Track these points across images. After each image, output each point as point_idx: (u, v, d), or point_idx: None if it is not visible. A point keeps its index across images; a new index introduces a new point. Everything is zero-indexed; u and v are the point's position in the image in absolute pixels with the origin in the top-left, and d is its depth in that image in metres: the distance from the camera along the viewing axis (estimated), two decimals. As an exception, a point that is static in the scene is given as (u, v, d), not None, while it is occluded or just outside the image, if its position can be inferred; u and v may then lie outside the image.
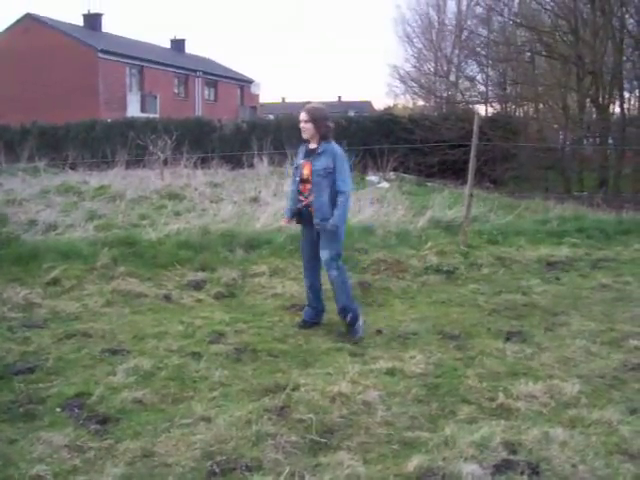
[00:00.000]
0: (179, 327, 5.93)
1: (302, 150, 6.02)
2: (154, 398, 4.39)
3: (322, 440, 3.82)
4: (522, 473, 3.40)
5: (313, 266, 6.12)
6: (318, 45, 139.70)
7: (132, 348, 5.36)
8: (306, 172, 5.82)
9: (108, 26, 55.34)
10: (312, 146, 5.87)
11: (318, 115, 5.81)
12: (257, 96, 54.33)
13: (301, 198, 5.91)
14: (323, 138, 5.79)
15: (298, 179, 5.91)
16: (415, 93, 34.75)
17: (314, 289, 6.17)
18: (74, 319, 6.21)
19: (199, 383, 4.68)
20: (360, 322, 5.88)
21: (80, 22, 42.76)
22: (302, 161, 5.91)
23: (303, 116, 5.85)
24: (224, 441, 3.74)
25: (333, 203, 5.70)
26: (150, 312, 6.53)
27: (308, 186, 5.82)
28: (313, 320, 6.18)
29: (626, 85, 21.85)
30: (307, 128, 5.81)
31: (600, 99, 21.30)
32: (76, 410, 4.20)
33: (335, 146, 5.80)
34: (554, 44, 22.03)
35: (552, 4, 22.58)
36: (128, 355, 5.19)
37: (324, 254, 5.83)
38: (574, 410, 4.20)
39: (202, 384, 4.66)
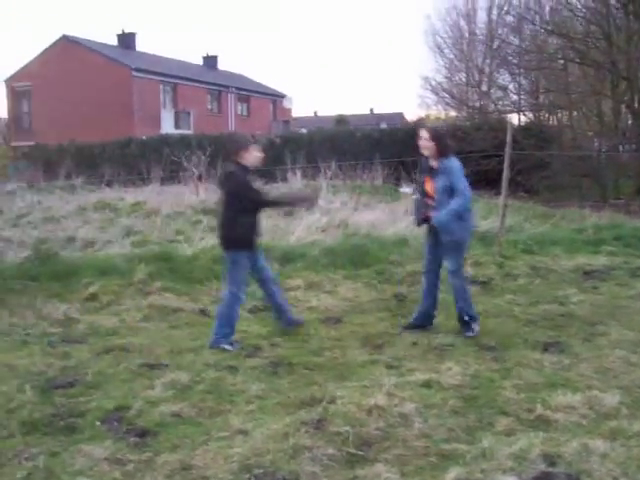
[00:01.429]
0: (215, 341, 5.96)
1: (424, 164, 6.23)
2: (191, 411, 4.42)
3: (359, 453, 3.82)
4: (562, 485, 3.37)
5: (430, 270, 6.35)
6: (349, 58, 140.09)
7: (169, 362, 5.42)
8: (428, 188, 6.11)
9: (142, 45, 56.18)
10: (432, 163, 6.08)
11: (439, 134, 6.11)
12: (289, 110, 54.60)
13: (424, 209, 6.16)
14: (442, 155, 6.00)
15: (423, 193, 6.19)
16: (447, 104, 34.63)
17: (427, 297, 6.39)
18: (112, 334, 6.30)
19: (236, 396, 4.70)
20: (476, 327, 6.17)
21: (114, 42, 43.51)
22: (424, 177, 6.18)
23: (424, 134, 6.07)
24: (261, 454, 3.75)
25: (457, 216, 5.92)
26: (186, 326, 6.60)
27: (431, 202, 6.07)
28: (421, 323, 6.38)
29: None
30: (428, 147, 6.02)
31: (635, 105, 21.03)
32: (115, 423, 4.26)
33: (452, 162, 6.00)
34: (587, 51, 21.82)
35: (584, 10, 22.40)
36: (165, 369, 5.24)
37: (448, 265, 6.14)
38: (614, 421, 4.14)
39: (239, 397, 4.68)
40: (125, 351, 5.73)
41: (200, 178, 17.25)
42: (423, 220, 6.20)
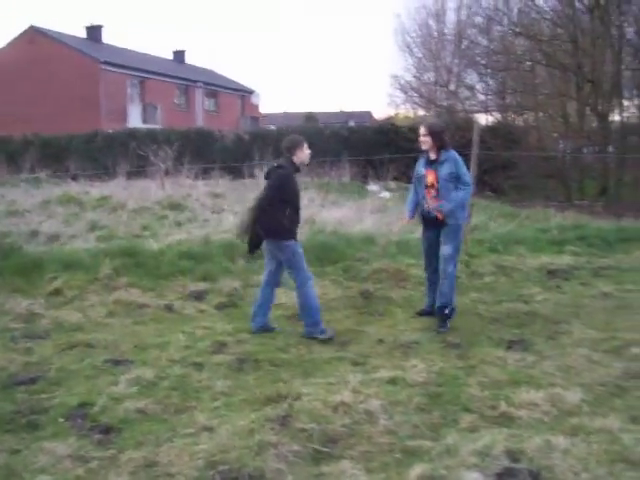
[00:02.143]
0: (181, 337, 5.94)
1: (422, 161, 6.61)
2: (156, 408, 4.40)
3: (324, 449, 3.83)
4: (524, 481, 3.41)
5: (431, 263, 6.68)
6: (319, 56, 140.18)
7: (134, 358, 5.38)
8: (430, 179, 6.45)
9: (110, 38, 55.58)
10: (433, 156, 6.46)
11: (436, 129, 6.49)
12: (258, 107, 54.47)
13: (425, 203, 6.54)
14: (442, 148, 6.39)
15: (423, 186, 6.52)
16: (415, 103, 34.79)
17: (434, 284, 6.65)
18: (76, 329, 6.23)
19: (201, 393, 4.69)
20: (446, 327, 6.36)
21: (83, 34, 42.96)
22: (424, 171, 6.52)
23: (422, 130, 6.48)
24: (227, 451, 3.74)
25: (463, 203, 6.40)
26: (152, 322, 6.55)
27: (432, 192, 6.44)
28: (433, 311, 6.64)
29: (625, 93, 21.91)
30: (426, 141, 6.43)
31: (599, 107, 21.36)
32: (79, 420, 4.22)
33: (453, 153, 6.43)
34: (553, 53, 22.10)
35: (551, 13, 22.69)
36: (130, 365, 5.20)
37: (446, 249, 6.41)
38: (576, 418, 4.20)
39: (204, 394, 4.67)
40: (89, 347, 5.67)
41: (167, 173, 17.14)
42: (427, 213, 6.53)
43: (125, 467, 3.62)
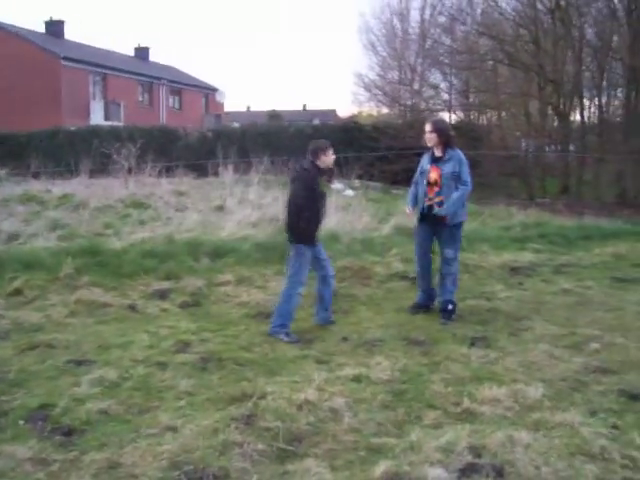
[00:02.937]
0: (144, 337, 5.89)
1: (427, 157, 6.75)
2: (119, 409, 4.35)
3: (289, 448, 3.83)
4: (487, 476, 3.45)
5: (422, 258, 6.84)
6: (282, 53, 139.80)
7: (97, 358, 5.32)
8: (434, 176, 6.58)
9: (70, 33, 54.88)
10: (438, 153, 6.61)
11: (441, 126, 6.66)
12: (222, 104, 54.15)
13: (426, 199, 6.65)
14: (447, 146, 6.55)
15: (425, 182, 6.63)
16: (380, 101, 34.82)
17: (426, 278, 6.89)
18: (37, 330, 6.13)
19: (165, 393, 4.66)
20: (453, 316, 6.62)
21: (42, 29, 42.22)
22: (429, 166, 6.64)
23: (428, 127, 6.60)
24: (191, 451, 3.72)
25: (462, 203, 6.55)
26: (115, 322, 6.48)
27: (435, 189, 6.57)
28: (426, 303, 6.91)
29: (585, 93, 22.25)
30: (431, 138, 6.56)
31: (561, 107, 21.66)
32: (40, 422, 4.15)
33: (459, 152, 6.57)
34: (516, 53, 22.34)
35: (513, 14, 22.92)
36: (93, 366, 5.14)
37: (448, 252, 6.63)
38: (537, 413, 4.26)
39: (168, 394, 4.63)
40: (50, 347, 5.59)
41: (130, 171, 16.97)
42: (429, 208, 6.63)
43: (87, 469, 3.57)
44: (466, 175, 6.50)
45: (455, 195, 6.45)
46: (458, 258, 6.80)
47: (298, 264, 6.17)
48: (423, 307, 6.90)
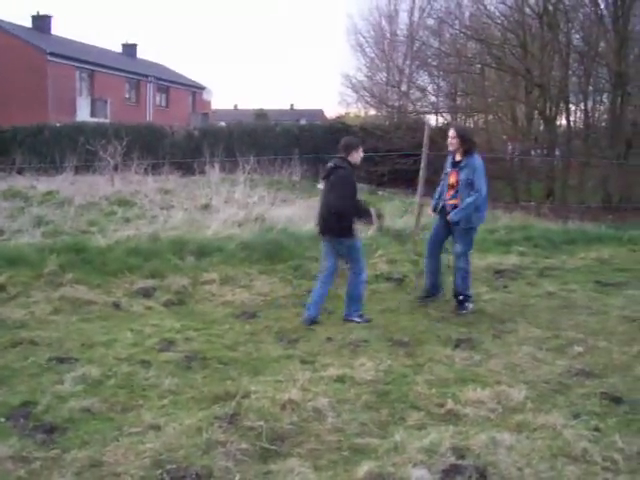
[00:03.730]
0: (128, 335, 5.86)
1: (450, 160, 7.05)
2: (102, 407, 4.33)
3: (272, 447, 3.82)
4: (470, 477, 3.46)
5: (431, 249, 7.21)
6: (271, 53, 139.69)
7: (80, 356, 5.28)
8: (452, 180, 6.91)
9: (57, 29, 54.44)
10: (458, 158, 6.90)
11: (464, 133, 6.96)
12: (209, 103, 54.04)
13: (444, 197, 7.02)
14: (467, 152, 6.80)
15: (446, 183, 7.01)
16: (367, 102, 34.92)
17: (431, 269, 7.25)
18: (20, 327, 6.08)
19: (148, 391, 4.63)
20: (470, 305, 6.98)
21: (28, 24, 41.90)
22: (450, 170, 6.97)
23: (452, 133, 6.89)
24: (174, 449, 3.71)
25: (476, 207, 6.77)
26: (99, 320, 6.45)
27: (452, 192, 6.91)
28: (431, 293, 7.29)
29: (572, 98, 22.39)
30: (453, 142, 6.84)
31: (547, 111, 21.78)
32: (21, 420, 4.11)
33: (476, 159, 6.81)
34: (503, 57, 22.45)
35: (502, 18, 23.03)
36: (76, 363, 5.11)
37: (457, 247, 6.96)
38: (520, 415, 4.28)
39: (151, 392, 4.61)
40: (33, 345, 5.54)
41: (116, 168, 16.91)
42: (442, 207, 7.04)
43: (69, 467, 3.55)
44: (479, 182, 6.72)
45: (466, 201, 6.72)
46: (468, 255, 7.05)
47: (354, 254, 6.54)
48: (430, 296, 7.30)
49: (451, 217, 6.80)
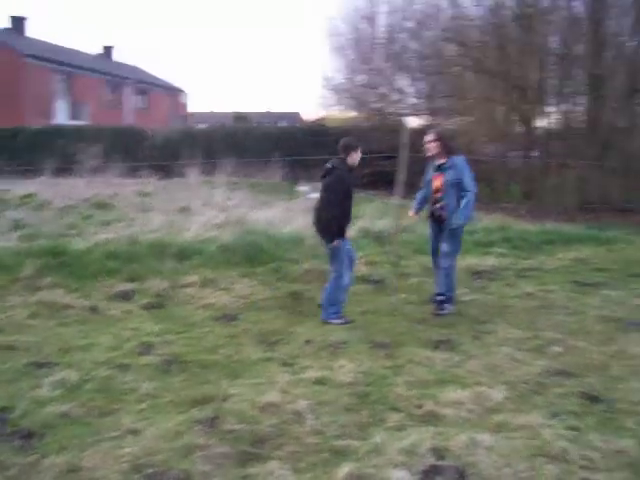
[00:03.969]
0: (106, 339, 5.83)
1: (431, 166, 7.11)
2: (81, 411, 4.30)
3: (252, 450, 3.81)
4: (449, 478, 3.47)
5: (434, 253, 7.25)
6: (247, 55, 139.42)
7: (58, 361, 5.24)
8: (437, 183, 6.97)
9: (34, 31, 53.92)
10: (440, 161, 6.94)
11: (441, 136, 7.01)
12: (186, 105, 53.89)
13: (433, 203, 7.06)
14: (449, 154, 6.90)
15: (431, 189, 7.06)
16: (347, 104, 34.93)
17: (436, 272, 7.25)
18: (-3, 331, 6.02)
19: (127, 395, 4.61)
20: (450, 307, 7.05)
21: (4, 25, 41.48)
22: (433, 174, 7.04)
23: (429, 137, 6.98)
24: (153, 453, 3.69)
25: (471, 209, 6.90)
26: (77, 324, 6.40)
27: (438, 195, 6.97)
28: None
29: (550, 100, 22.52)
30: (432, 147, 6.93)
31: (525, 113, 21.91)
32: (-1, 425, 4.08)
33: (461, 159, 6.92)
34: (482, 59, 22.55)
35: (480, 20, 23.13)
36: (54, 368, 5.07)
37: (443, 246, 7.00)
38: (500, 415, 4.31)
39: (130, 396, 4.59)
40: (11, 349, 5.50)
41: (95, 171, 16.80)
42: (431, 213, 7.12)
43: (47, 473, 3.52)
44: (468, 181, 6.83)
45: (462, 203, 6.79)
46: (454, 256, 7.13)
47: (338, 255, 6.57)
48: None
49: (454, 222, 6.83)
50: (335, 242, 6.45)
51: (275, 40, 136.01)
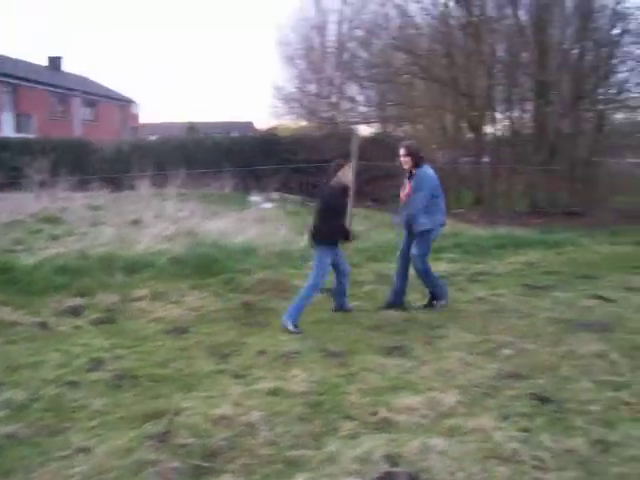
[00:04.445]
0: (55, 356, 5.71)
1: (408, 174, 7.56)
2: (28, 431, 4.20)
3: (205, 464, 3.77)
4: (403, 484, 3.48)
5: (400, 258, 7.70)
6: (199, 65, 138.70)
7: (5, 380, 5.12)
8: (408, 191, 7.45)
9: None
10: (412, 172, 7.44)
11: (412, 149, 7.45)
12: (137, 117, 53.37)
13: (404, 207, 7.51)
14: (416, 165, 7.38)
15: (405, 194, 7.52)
16: (298, 114, 35.02)
17: (399, 277, 7.70)
18: (-60, 352, 5.86)
19: (77, 413, 4.52)
20: (443, 301, 7.64)
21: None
22: (406, 182, 7.53)
23: (402, 152, 7.44)
24: (104, 472, 3.63)
25: (425, 212, 7.32)
26: (24, 341, 6.25)
27: (407, 200, 7.46)
28: (392, 301, 7.64)
29: (498, 107, 22.88)
30: (406, 160, 7.43)
31: (474, 120, 22.22)
32: (-58, 449, 3.96)
33: (425, 169, 7.41)
34: (430, 67, 22.81)
35: (428, 29, 23.41)
36: (0, 388, 4.94)
37: (413, 250, 7.44)
38: (452, 420, 4.34)
39: (80, 414, 4.50)
40: (-45, 369, 5.35)
41: (42, 185, 16.50)
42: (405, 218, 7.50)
43: (-7, 495, 3.43)
44: (422, 184, 7.30)
45: (410, 199, 7.34)
46: (424, 258, 7.49)
47: (321, 264, 6.89)
48: (391, 305, 7.59)
49: (394, 220, 7.46)
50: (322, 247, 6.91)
51: (229, 49, 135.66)
